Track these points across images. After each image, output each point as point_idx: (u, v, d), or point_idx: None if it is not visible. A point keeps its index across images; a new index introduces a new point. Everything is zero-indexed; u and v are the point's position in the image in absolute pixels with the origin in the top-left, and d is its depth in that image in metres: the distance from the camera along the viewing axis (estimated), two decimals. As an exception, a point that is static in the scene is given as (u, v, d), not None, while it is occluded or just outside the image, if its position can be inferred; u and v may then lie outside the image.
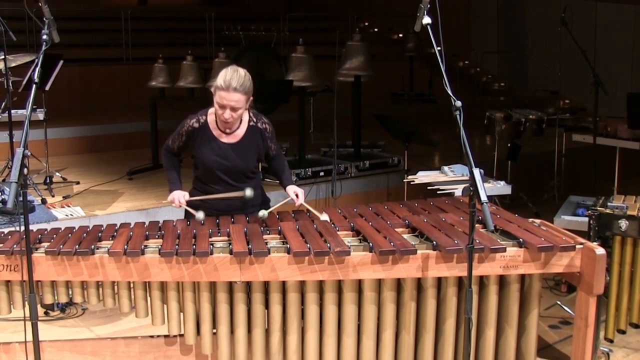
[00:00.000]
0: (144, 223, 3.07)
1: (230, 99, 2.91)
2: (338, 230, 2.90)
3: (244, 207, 3.18)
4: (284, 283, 2.71)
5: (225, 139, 3.10)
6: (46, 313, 4.00)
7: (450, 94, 2.44)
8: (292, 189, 3.20)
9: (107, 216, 4.83)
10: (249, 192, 3.04)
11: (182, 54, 6.81)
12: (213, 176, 3.13)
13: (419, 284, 2.76)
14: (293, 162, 6.19)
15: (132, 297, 2.74)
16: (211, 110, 3.10)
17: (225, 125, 3.03)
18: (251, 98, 3.02)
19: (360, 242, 2.77)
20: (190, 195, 3.18)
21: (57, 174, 5.87)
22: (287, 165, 3.35)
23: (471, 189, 2.38)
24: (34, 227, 3.00)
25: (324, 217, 3.05)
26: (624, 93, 5.73)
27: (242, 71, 2.97)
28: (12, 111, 4.82)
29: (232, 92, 2.90)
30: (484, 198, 2.35)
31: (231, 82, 2.89)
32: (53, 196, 5.28)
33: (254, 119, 3.13)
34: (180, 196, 3.11)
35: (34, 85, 2.50)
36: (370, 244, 2.69)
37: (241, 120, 3.10)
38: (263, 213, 3.01)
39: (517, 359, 2.87)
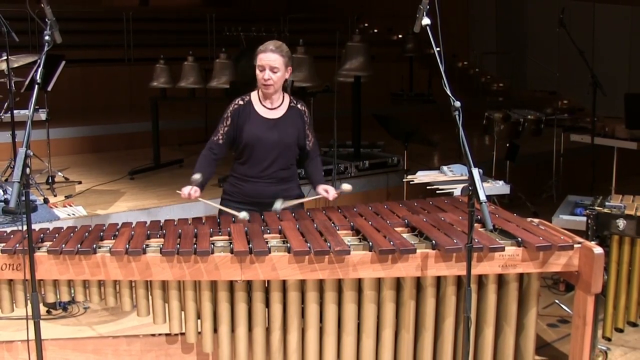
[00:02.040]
0: (146, 222, 3.08)
1: (269, 59, 3.15)
2: (338, 230, 2.92)
3: (275, 195, 3.25)
4: (284, 282, 2.72)
5: (268, 114, 3.27)
6: (48, 312, 4.02)
7: (450, 95, 2.45)
8: (323, 187, 3.36)
9: (108, 215, 4.85)
10: (243, 214, 3.04)
11: (183, 55, 6.82)
12: (257, 152, 3.24)
13: (419, 282, 2.77)
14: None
15: (134, 295, 2.75)
16: (254, 92, 3.31)
17: (266, 89, 3.21)
18: (290, 68, 3.25)
19: (360, 242, 2.78)
20: (227, 182, 3.36)
21: (59, 173, 5.89)
22: (322, 168, 3.51)
23: (470, 188, 2.39)
24: (36, 227, 3.00)
25: (346, 187, 3.24)
26: (621, 93, 5.76)
27: (279, 41, 3.27)
28: (15, 111, 4.84)
29: (269, 53, 3.16)
30: (482, 198, 2.36)
31: (268, 45, 3.19)
32: (55, 196, 5.30)
33: (294, 101, 3.36)
34: (191, 190, 3.19)
35: (36, 86, 2.51)
36: (370, 243, 2.71)
37: (283, 99, 3.31)
38: (279, 204, 3.15)
39: (515, 358, 2.88)
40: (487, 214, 2.37)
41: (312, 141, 3.41)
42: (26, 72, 5.42)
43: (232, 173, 3.39)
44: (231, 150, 3.37)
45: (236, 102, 3.31)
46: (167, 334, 2.89)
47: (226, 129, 3.30)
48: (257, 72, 3.20)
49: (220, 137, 3.31)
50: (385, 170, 6.34)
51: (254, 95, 3.32)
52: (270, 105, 3.29)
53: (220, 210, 3.26)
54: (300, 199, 3.35)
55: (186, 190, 3.20)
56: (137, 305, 2.77)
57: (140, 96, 8.40)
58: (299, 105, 3.35)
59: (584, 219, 3.45)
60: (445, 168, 4.68)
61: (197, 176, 3.17)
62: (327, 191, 3.31)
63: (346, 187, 3.28)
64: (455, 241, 2.69)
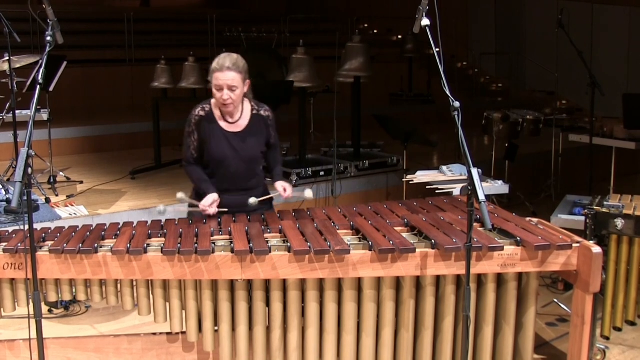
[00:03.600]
0: (147, 222, 3.09)
1: (226, 78, 3.01)
2: (338, 229, 2.93)
3: (243, 204, 3.21)
4: (284, 281, 2.74)
5: (231, 129, 3.18)
6: (50, 311, 4.02)
7: (449, 95, 2.46)
8: (280, 184, 3.27)
9: (110, 215, 4.86)
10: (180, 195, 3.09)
11: (185, 55, 6.84)
12: (223, 169, 3.18)
13: (418, 282, 2.79)
14: (293, 162, 6.23)
15: (135, 295, 2.76)
16: (214, 101, 3.18)
17: (226, 108, 3.10)
18: (248, 81, 3.12)
19: (360, 241, 2.79)
20: (194, 191, 3.28)
21: (61, 173, 5.90)
22: (281, 160, 3.44)
23: (469, 188, 2.40)
24: (38, 226, 3.01)
25: (308, 193, 3.21)
26: (620, 94, 5.77)
27: (234, 54, 3.09)
28: (17, 111, 4.85)
29: (226, 71, 3.01)
30: (482, 197, 2.37)
31: (225, 62, 3.02)
32: (57, 195, 5.31)
33: (256, 108, 3.24)
34: (207, 202, 3.11)
35: (38, 86, 2.51)
36: (370, 243, 2.72)
37: (243, 109, 3.20)
38: (254, 200, 3.15)
39: (514, 356, 2.90)
40: (486, 214, 2.38)
41: (274, 137, 3.31)
42: (28, 73, 5.44)
43: None
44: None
45: (196, 113, 3.17)
46: (168, 333, 2.90)
47: (195, 143, 3.20)
48: (214, 91, 3.05)
49: (194, 152, 3.21)
50: (385, 170, 6.35)
51: (214, 105, 3.17)
52: (232, 119, 3.17)
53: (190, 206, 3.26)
54: (269, 201, 3.33)
55: (207, 204, 3.10)
56: (138, 305, 2.78)
57: (141, 96, 8.43)
58: (262, 112, 3.23)
59: (583, 218, 3.45)
60: (444, 168, 4.69)
61: (213, 195, 3.13)
62: (285, 189, 3.23)
63: (308, 193, 3.22)
64: (454, 240, 2.70)
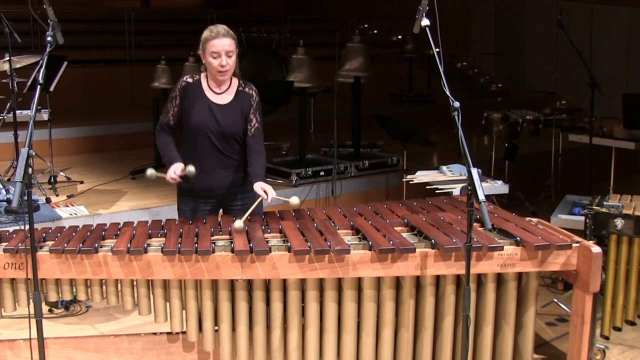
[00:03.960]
0: (147, 222, 3.10)
1: (223, 44, 3.06)
2: (338, 229, 2.94)
3: (230, 187, 3.21)
4: (284, 281, 2.74)
5: (216, 99, 3.19)
6: (50, 310, 4.03)
7: (449, 95, 2.47)
8: (259, 186, 3.08)
9: (110, 215, 4.86)
10: (190, 168, 3.07)
11: (185, 56, 6.85)
12: (202, 140, 3.17)
13: (418, 281, 2.79)
14: (293, 162, 6.24)
15: (135, 294, 2.77)
16: (203, 74, 3.22)
17: (222, 75, 3.13)
18: (237, 50, 3.15)
19: (360, 241, 2.80)
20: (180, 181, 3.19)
21: (62, 173, 5.91)
22: (264, 166, 3.22)
23: (469, 188, 2.41)
24: (38, 226, 3.02)
25: (294, 200, 3.03)
26: (619, 94, 5.78)
27: (222, 24, 3.14)
28: (17, 112, 4.86)
29: (222, 38, 3.07)
30: (481, 197, 2.37)
31: (219, 30, 3.08)
32: (57, 195, 5.32)
33: (243, 85, 3.26)
34: (172, 172, 3.09)
35: (39, 86, 2.51)
36: (370, 243, 2.73)
37: (230, 84, 3.23)
38: (239, 224, 2.86)
39: (514, 356, 2.90)
40: (486, 214, 2.39)
41: (255, 127, 3.22)
42: (28, 73, 5.44)
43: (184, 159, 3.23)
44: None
45: (185, 79, 3.21)
46: (168, 333, 2.91)
47: (176, 109, 3.21)
48: (210, 59, 3.08)
49: (171, 117, 3.22)
50: (384, 170, 6.36)
51: (203, 77, 3.21)
52: (219, 90, 3.20)
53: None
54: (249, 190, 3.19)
55: (171, 173, 3.08)
56: (138, 304, 2.79)
57: (141, 96, 8.43)
58: (247, 89, 3.24)
59: (582, 218, 3.45)
60: (444, 168, 4.70)
61: (191, 168, 3.08)
62: (266, 192, 3.03)
63: (294, 201, 3.02)
64: (454, 240, 2.71)
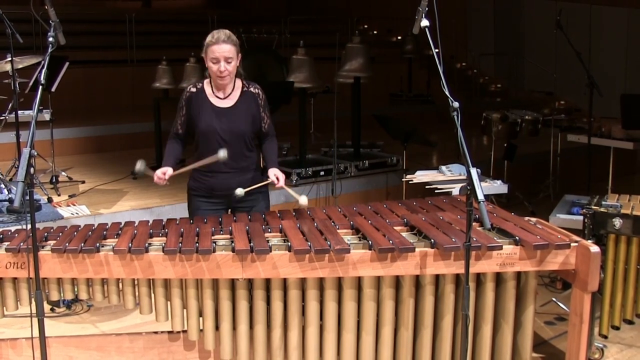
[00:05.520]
0: (148, 221, 3.11)
1: (222, 50, 3.12)
2: (338, 229, 2.95)
3: (240, 187, 3.23)
4: (285, 280, 2.75)
5: (221, 104, 3.25)
6: (52, 309, 4.04)
7: (448, 95, 2.48)
8: (273, 172, 3.27)
9: (112, 215, 4.88)
10: (222, 153, 3.10)
11: (186, 56, 6.86)
12: (212, 144, 3.22)
13: (417, 281, 2.80)
14: (294, 161, 6.25)
15: (137, 294, 2.78)
16: (206, 81, 3.29)
17: (222, 80, 3.18)
18: (240, 55, 3.21)
19: (360, 240, 2.81)
20: (191, 177, 3.33)
21: (63, 173, 5.93)
22: (277, 150, 3.45)
23: (468, 188, 2.41)
24: (40, 226, 3.04)
25: (303, 200, 3.13)
26: (618, 94, 5.79)
27: (226, 30, 3.20)
28: (19, 112, 4.87)
29: (222, 44, 3.12)
30: (481, 197, 2.38)
31: (220, 36, 3.14)
32: (59, 195, 5.34)
33: (247, 85, 3.31)
34: (160, 172, 3.18)
35: (40, 87, 2.52)
36: (370, 242, 2.74)
37: (234, 86, 3.27)
38: (240, 191, 3.12)
39: (513, 355, 2.91)
40: (485, 213, 2.40)
41: (267, 123, 3.36)
42: (30, 73, 5.45)
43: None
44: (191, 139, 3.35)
45: (188, 89, 3.29)
46: (169, 332, 2.92)
47: (183, 118, 3.31)
48: (210, 64, 3.15)
49: (179, 127, 3.33)
50: (384, 170, 6.37)
51: (206, 83, 3.29)
52: (223, 94, 3.27)
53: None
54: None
55: (159, 173, 3.16)
56: (139, 303, 2.80)
57: (142, 97, 8.44)
58: (251, 89, 3.30)
59: (581, 218, 3.46)
60: (444, 168, 4.71)
61: (223, 153, 3.11)
62: (278, 178, 3.23)
63: (303, 200, 3.12)
64: (453, 240, 2.72)
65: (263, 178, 3.35)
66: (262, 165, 3.59)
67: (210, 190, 3.31)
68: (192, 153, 3.37)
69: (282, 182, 3.23)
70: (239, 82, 3.30)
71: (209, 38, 3.16)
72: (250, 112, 3.28)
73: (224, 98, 3.27)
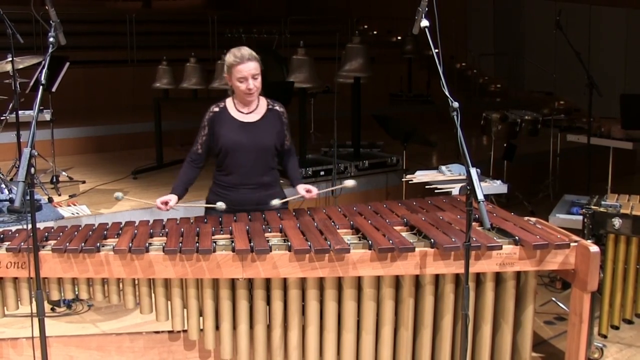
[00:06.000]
0: (149, 221, 3.12)
1: (249, 68, 3.15)
2: (338, 229, 2.95)
3: (259, 202, 3.28)
4: (285, 280, 2.76)
5: (245, 119, 3.28)
6: (53, 309, 4.05)
7: (448, 95, 2.48)
8: (302, 187, 3.35)
9: (112, 214, 4.88)
10: (220, 204, 3.19)
11: (186, 56, 6.87)
12: (239, 159, 3.24)
13: (417, 281, 2.81)
14: (293, 162, 6.25)
15: (137, 293, 2.79)
16: (229, 100, 3.31)
17: (250, 97, 3.22)
18: (262, 68, 3.25)
19: (360, 240, 2.81)
20: (210, 191, 3.36)
21: (64, 173, 5.94)
22: (298, 166, 3.52)
23: (468, 188, 2.42)
24: (40, 225, 3.05)
25: (350, 182, 3.35)
26: (617, 94, 5.80)
27: (245, 47, 3.22)
28: (20, 112, 4.87)
29: (247, 62, 3.15)
30: (480, 197, 2.38)
31: (244, 54, 3.16)
32: (59, 195, 5.35)
33: (271, 103, 3.35)
34: (161, 201, 3.20)
35: (41, 87, 2.52)
36: (370, 242, 2.74)
37: (259, 103, 3.31)
38: (277, 202, 3.22)
39: (512, 354, 2.92)
40: (485, 213, 2.40)
41: (290, 141, 3.42)
42: (31, 73, 5.46)
43: (215, 181, 3.37)
44: (212, 157, 3.37)
45: (211, 109, 3.30)
46: (169, 331, 2.92)
47: (204, 138, 3.31)
48: (237, 84, 3.17)
49: (199, 146, 3.33)
50: (384, 170, 6.38)
51: (229, 102, 3.31)
52: (247, 109, 3.29)
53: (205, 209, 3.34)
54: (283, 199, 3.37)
55: (159, 200, 3.21)
56: (140, 303, 2.80)
57: (143, 97, 8.43)
58: (277, 107, 3.35)
59: (581, 217, 3.46)
60: (443, 168, 4.72)
61: (221, 205, 3.19)
62: (309, 190, 3.31)
63: (349, 183, 3.36)
64: (453, 240, 2.72)
65: (284, 196, 3.37)
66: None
67: (229, 204, 3.27)
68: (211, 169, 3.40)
69: (314, 193, 3.32)
70: (262, 99, 3.34)
71: (231, 58, 3.16)
72: (275, 128, 3.31)
73: (248, 113, 3.29)
